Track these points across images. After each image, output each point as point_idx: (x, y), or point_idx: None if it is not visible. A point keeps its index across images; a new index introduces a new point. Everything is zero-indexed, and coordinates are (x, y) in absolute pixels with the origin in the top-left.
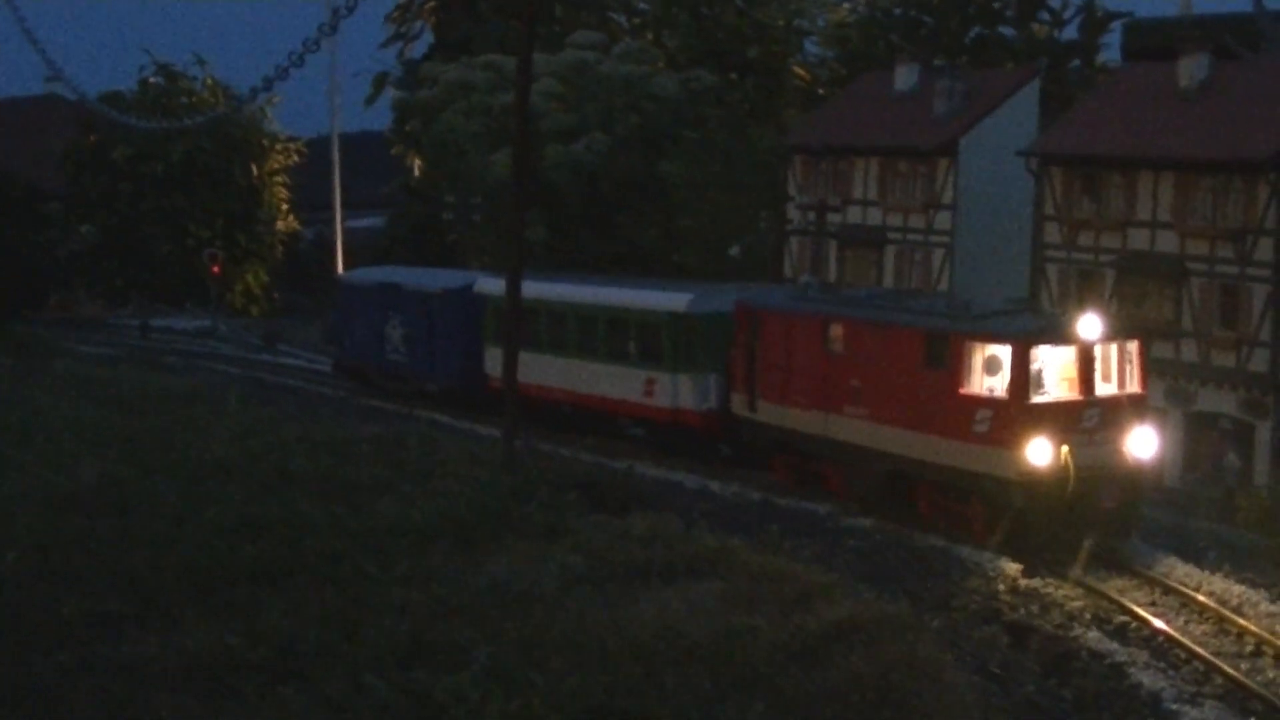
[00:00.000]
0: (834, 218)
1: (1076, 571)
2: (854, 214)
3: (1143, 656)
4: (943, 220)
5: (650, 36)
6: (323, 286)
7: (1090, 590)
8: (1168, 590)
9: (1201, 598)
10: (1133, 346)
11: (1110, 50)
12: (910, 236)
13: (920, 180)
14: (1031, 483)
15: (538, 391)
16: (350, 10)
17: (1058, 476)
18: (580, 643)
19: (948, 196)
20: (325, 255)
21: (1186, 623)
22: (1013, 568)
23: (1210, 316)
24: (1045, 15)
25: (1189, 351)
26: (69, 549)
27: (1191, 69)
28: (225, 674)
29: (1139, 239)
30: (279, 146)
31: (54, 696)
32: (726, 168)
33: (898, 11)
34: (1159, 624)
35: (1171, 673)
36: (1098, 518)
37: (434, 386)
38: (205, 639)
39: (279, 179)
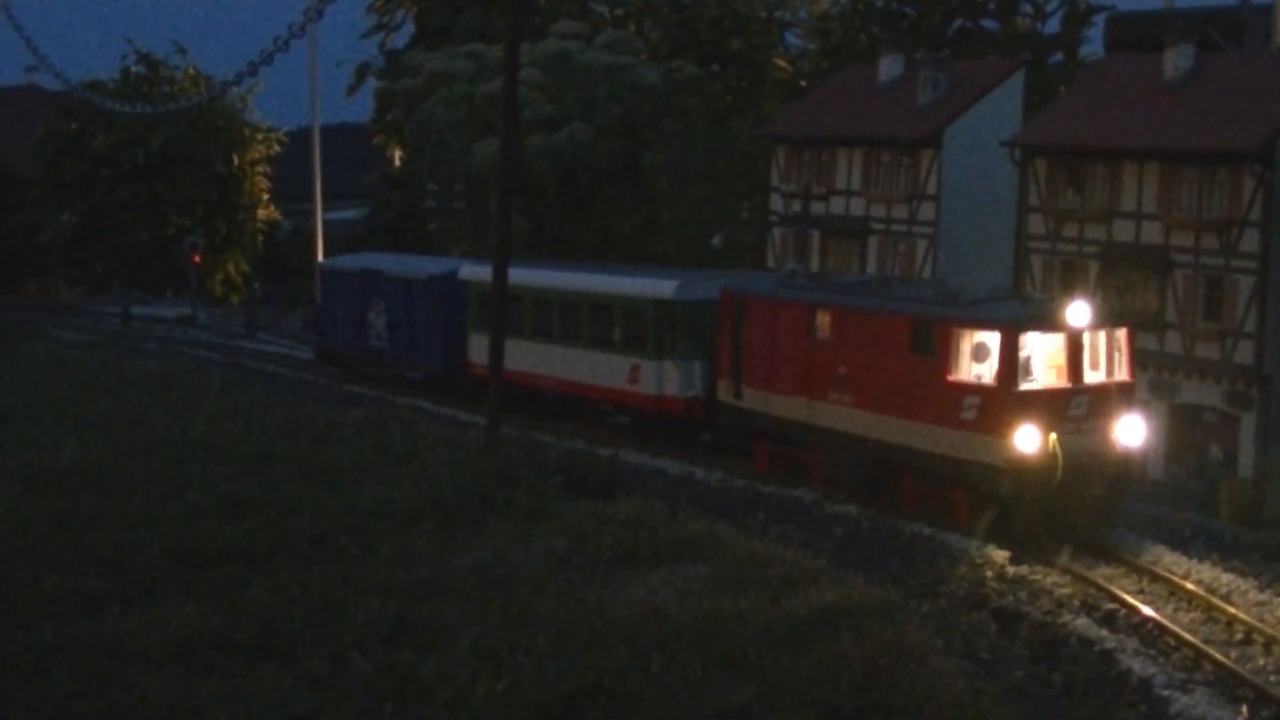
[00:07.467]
0: (817, 207)
1: (1064, 559)
2: (837, 204)
3: (1132, 643)
4: (926, 211)
5: (632, 27)
6: (300, 277)
7: (1078, 577)
8: (1155, 578)
9: (1190, 585)
10: (1121, 334)
11: (1093, 44)
12: (894, 227)
13: (904, 171)
14: (1019, 470)
15: (521, 378)
16: None
17: (1045, 464)
18: (567, 624)
19: (931, 187)
20: (303, 246)
21: (1175, 610)
22: (1000, 555)
23: (1195, 308)
24: (1027, 8)
25: (1173, 343)
26: (49, 528)
27: (1176, 60)
28: (207, 652)
29: (1123, 230)
30: (260, 136)
31: (35, 673)
32: (707, 158)
33: (880, 4)
34: (1148, 611)
35: (1161, 660)
36: (1085, 505)
37: (417, 373)
38: (187, 617)
39: (259, 168)
